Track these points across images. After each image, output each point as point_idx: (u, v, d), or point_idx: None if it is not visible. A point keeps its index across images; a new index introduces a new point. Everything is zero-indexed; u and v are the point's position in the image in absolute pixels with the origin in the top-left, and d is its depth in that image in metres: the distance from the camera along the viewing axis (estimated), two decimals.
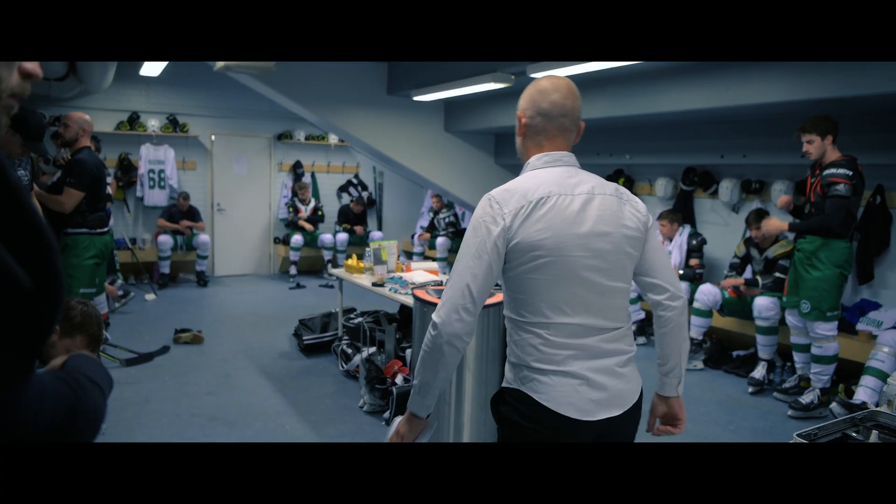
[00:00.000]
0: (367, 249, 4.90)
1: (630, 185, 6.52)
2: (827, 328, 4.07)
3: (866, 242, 4.65)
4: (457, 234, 8.36)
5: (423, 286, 4.00)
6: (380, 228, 9.43)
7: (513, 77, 5.38)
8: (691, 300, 5.15)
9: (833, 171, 3.90)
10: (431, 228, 8.66)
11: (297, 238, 8.21)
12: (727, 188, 5.62)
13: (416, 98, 6.48)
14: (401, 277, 4.42)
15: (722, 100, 4.50)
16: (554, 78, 1.57)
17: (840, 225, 3.92)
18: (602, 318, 1.50)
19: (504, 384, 1.56)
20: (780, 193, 5.19)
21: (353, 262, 5.08)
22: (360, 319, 4.97)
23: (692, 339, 5.09)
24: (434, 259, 8.11)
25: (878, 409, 2.41)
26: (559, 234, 1.45)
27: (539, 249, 1.45)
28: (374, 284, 4.46)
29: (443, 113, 7.44)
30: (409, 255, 8.86)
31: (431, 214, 8.73)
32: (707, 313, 5.07)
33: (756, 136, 5.10)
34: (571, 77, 6.02)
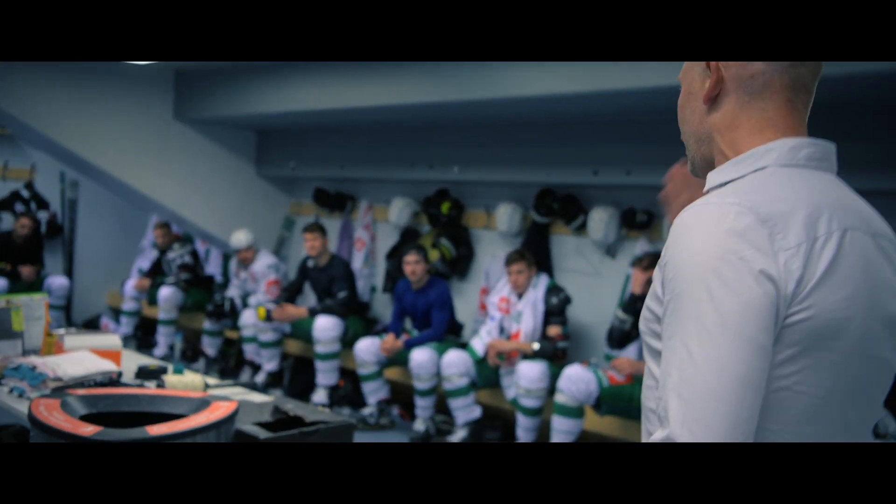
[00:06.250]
0: None
1: (459, 212, 6.22)
2: None
3: None
4: (195, 282, 7.56)
5: (62, 390, 2.78)
6: (68, 272, 8.36)
7: None
8: (552, 390, 4.75)
9: None
10: (156, 272, 7.86)
11: None
12: (600, 221, 5.37)
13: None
14: (33, 368, 3.09)
15: (604, 82, 4.25)
16: None
17: None
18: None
19: None
20: None
21: None
22: None
23: None
24: (158, 321, 7.30)
25: None
26: (866, 307, 1.06)
27: (837, 333, 1.04)
28: None
29: (172, 88, 6.87)
30: (117, 315, 8.14)
31: (157, 252, 8.03)
32: (576, 412, 4.62)
33: (647, 143, 4.90)
34: None
